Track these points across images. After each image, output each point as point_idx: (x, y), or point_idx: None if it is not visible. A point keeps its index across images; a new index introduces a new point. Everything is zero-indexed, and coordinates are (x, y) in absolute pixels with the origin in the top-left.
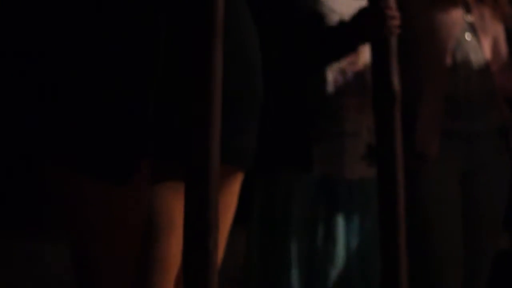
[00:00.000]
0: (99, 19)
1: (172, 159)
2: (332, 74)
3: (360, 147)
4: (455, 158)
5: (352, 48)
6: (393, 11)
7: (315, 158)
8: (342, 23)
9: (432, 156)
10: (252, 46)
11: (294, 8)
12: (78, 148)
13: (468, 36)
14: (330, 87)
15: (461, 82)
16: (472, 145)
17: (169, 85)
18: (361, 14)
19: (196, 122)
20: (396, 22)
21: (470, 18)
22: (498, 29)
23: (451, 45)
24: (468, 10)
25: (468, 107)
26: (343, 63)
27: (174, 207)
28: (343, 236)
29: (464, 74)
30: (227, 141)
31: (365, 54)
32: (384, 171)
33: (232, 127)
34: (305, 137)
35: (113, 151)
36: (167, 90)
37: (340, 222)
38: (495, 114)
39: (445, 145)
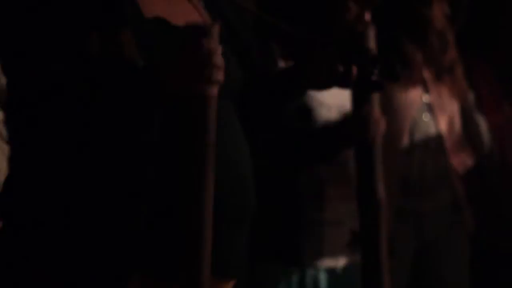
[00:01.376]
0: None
1: (162, 277)
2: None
3: (343, 236)
4: (407, 235)
5: (336, 152)
6: (378, 117)
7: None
8: (326, 127)
9: None
10: (243, 160)
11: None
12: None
13: (425, 117)
14: (314, 176)
15: (416, 162)
16: (423, 223)
17: (160, 212)
18: (345, 119)
19: (187, 241)
20: (381, 127)
21: (428, 97)
22: (454, 107)
23: (408, 126)
24: (426, 89)
25: (421, 186)
26: None
27: None
28: None
29: (419, 154)
30: (215, 254)
31: None
32: (369, 261)
33: (221, 242)
34: (290, 229)
35: (103, 271)
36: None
37: None
38: (448, 192)
39: (396, 222)
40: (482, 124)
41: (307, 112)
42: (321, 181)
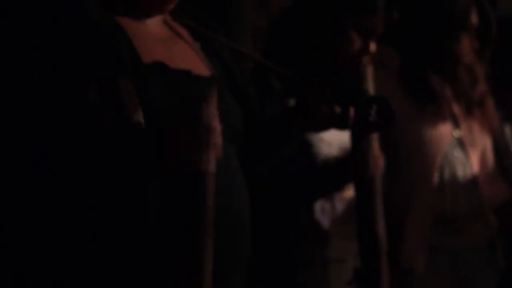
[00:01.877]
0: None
1: None
2: (318, 201)
3: (346, 274)
4: (442, 274)
5: (336, 189)
6: (377, 152)
7: (299, 286)
8: (326, 164)
9: (418, 272)
10: (243, 207)
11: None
12: None
13: (456, 152)
14: (316, 214)
15: (449, 198)
16: (458, 260)
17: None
18: (344, 156)
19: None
20: (380, 163)
21: (458, 132)
22: (486, 141)
23: (439, 162)
24: (456, 124)
25: (455, 223)
26: None
27: None
28: None
29: (451, 190)
30: None
31: None
32: None
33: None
34: (290, 264)
35: None
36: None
37: None
38: (482, 228)
39: (431, 261)
40: None
41: (307, 147)
42: (325, 217)
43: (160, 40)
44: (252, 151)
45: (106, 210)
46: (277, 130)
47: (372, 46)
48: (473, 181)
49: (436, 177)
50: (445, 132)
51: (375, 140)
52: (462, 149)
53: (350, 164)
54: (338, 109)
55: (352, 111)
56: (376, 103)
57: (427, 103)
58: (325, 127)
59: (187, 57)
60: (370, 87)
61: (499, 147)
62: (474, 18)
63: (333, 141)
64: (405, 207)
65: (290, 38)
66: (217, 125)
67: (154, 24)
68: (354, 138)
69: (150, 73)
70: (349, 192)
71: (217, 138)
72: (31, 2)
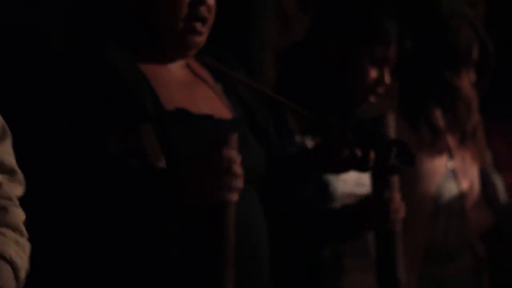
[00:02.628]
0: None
1: None
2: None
3: None
4: None
5: (354, 235)
6: (398, 203)
7: None
8: (345, 208)
9: None
10: (262, 242)
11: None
12: None
13: (449, 183)
14: (331, 247)
15: (440, 228)
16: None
17: None
18: (364, 203)
19: None
20: (400, 214)
21: (452, 164)
22: (475, 171)
23: (433, 193)
24: (451, 156)
25: (444, 252)
26: None
27: None
28: None
29: (444, 220)
30: None
31: None
32: None
33: None
34: None
35: None
36: None
37: None
38: (469, 256)
39: None
40: (499, 184)
41: (323, 186)
42: (339, 252)
43: (183, 84)
44: (272, 189)
45: (129, 251)
46: (297, 171)
47: (387, 77)
48: (463, 211)
49: (429, 207)
50: (440, 164)
51: (396, 187)
52: (455, 180)
53: (371, 212)
54: (358, 152)
55: (372, 154)
56: (396, 147)
57: (425, 134)
58: (345, 169)
59: (209, 100)
60: (392, 133)
61: (483, 174)
62: (475, 53)
63: (349, 179)
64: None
65: (305, 69)
66: (238, 168)
67: (177, 68)
68: (375, 183)
69: (172, 120)
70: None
71: (238, 182)
72: (59, 56)
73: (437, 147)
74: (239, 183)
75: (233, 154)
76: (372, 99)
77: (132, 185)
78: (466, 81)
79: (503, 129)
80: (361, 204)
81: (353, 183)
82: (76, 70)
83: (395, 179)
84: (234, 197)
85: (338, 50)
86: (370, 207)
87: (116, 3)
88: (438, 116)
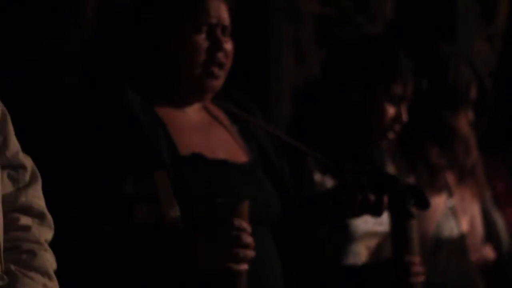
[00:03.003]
0: None
1: None
2: None
3: None
4: None
5: None
6: (418, 268)
7: None
8: (365, 267)
9: None
10: (277, 285)
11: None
12: None
13: (449, 220)
14: None
15: (441, 266)
16: None
17: None
18: (385, 264)
19: None
20: (420, 278)
21: (452, 202)
22: (475, 208)
23: (433, 231)
24: (450, 194)
25: None
26: None
27: None
28: None
29: (444, 258)
30: None
31: None
32: None
33: None
34: None
35: None
36: None
37: None
38: None
39: None
40: (500, 221)
41: (344, 226)
42: None
43: (199, 127)
44: (286, 233)
45: None
46: (311, 215)
47: (405, 114)
48: (463, 248)
49: (429, 246)
50: (439, 202)
51: (416, 251)
52: (454, 217)
53: (392, 276)
54: (372, 197)
55: (386, 199)
56: (410, 191)
57: (423, 173)
58: (359, 214)
59: (225, 143)
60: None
61: (484, 212)
62: (474, 93)
63: (369, 217)
64: None
65: (322, 108)
66: (248, 239)
67: (194, 111)
68: (395, 242)
69: (187, 166)
70: None
71: (248, 252)
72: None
73: (436, 186)
74: (249, 253)
75: (243, 224)
76: (391, 136)
77: (143, 244)
78: (464, 120)
79: (501, 166)
80: (382, 265)
81: (373, 221)
82: (92, 114)
83: (416, 244)
84: (244, 266)
85: (357, 89)
86: (391, 270)
87: (134, 46)
88: (436, 154)
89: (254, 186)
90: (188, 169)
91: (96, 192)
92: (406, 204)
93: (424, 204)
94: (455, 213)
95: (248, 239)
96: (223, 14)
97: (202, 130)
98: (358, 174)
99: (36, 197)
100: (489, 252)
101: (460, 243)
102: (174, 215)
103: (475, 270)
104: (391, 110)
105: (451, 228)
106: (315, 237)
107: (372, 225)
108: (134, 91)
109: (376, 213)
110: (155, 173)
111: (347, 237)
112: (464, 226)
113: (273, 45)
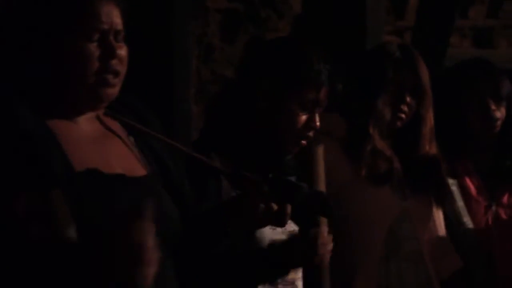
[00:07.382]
0: None
1: None
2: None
3: None
4: None
5: (283, 273)
6: (325, 238)
7: None
8: (272, 247)
9: None
10: None
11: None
12: None
13: (404, 224)
14: None
15: (394, 271)
16: None
17: None
18: (291, 240)
19: None
20: (329, 248)
21: (406, 204)
22: (435, 212)
23: (384, 234)
24: (404, 197)
25: None
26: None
27: None
28: None
29: (397, 263)
30: None
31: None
32: None
33: None
34: None
35: None
36: None
37: None
38: None
39: None
40: (468, 227)
41: (250, 233)
42: None
43: (93, 139)
44: (187, 248)
45: None
46: (212, 228)
47: (317, 121)
48: (420, 254)
49: (380, 250)
50: (391, 204)
51: (324, 222)
52: (409, 222)
53: (299, 248)
54: (274, 206)
55: (288, 208)
56: (313, 199)
57: (366, 165)
58: (262, 225)
59: (122, 156)
60: (321, 167)
61: (449, 217)
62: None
63: None
64: (350, 278)
65: (233, 116)
66: (152, 242)
67: (86, 122)
68: (302, 223)
69: (83, 182)
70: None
71: (153, 255)
72: None
73: (388, 187)
74: (154, 256)
75: (147, 227)
76: (303, 143)
77: (38, 255)
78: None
79: (470, 167)
80: (288, 241)
81: (281, 229)
82: None
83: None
84: (151, 270)
85: (266, 94)
86: (298, 243)
87: (24, 57)
88: (384, 146)
89: (153, 201)
90: (84, 186)
91: None
92: (310, 212)
93: (329, 212)
94: (410, 218)
95: (151, 241)
96: (116, 19)
97: (97, 143)
98: (259, 184)
99: None
100: (455, 261)
101: (415, 247)
102: (71, 236)
103: (436, 280)
104: (302, 117)
105: (406, 233)
106: (216, 254)
107: (280, 234)
108: (26, 104)
109: (280, 223)
110: (50, 192)
111: (253, 245)
112: (421, 232)
113: (179, 42)
